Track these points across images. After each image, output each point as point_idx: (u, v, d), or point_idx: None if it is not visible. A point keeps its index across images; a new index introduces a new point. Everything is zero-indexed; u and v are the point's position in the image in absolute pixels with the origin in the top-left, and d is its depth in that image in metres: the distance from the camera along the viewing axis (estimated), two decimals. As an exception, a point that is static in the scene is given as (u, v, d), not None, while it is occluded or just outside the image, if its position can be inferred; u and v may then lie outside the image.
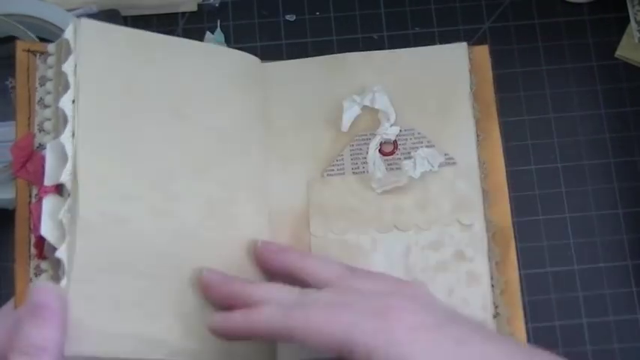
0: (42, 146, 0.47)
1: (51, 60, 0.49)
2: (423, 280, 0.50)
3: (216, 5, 0.67)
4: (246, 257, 0.50)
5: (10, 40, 0.62)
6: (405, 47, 0.55)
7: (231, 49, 0.55)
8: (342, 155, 0.53)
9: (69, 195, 0.45)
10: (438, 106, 0.54)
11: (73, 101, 0.46)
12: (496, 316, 0.50)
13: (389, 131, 0.52)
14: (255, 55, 0.54)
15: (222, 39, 0.66)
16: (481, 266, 0.51)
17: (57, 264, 0.44)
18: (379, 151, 0.53)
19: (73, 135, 0.45)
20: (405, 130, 0.52)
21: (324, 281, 0.45)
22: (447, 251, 0.51)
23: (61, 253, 0.44)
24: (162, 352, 0.45)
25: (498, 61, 0.54)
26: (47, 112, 0.48)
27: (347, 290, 0.44)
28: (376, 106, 0.53)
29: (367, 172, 0.52)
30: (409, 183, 0.52)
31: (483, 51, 0.54)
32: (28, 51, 0.49)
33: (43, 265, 0.46)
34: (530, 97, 0.65)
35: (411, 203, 0.52)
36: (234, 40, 0.67)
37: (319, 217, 0.52)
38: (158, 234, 0.47)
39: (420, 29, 0.68)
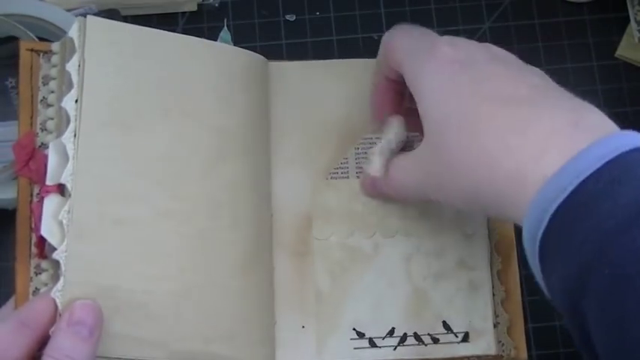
0: (44, 145, 0.47)
1: (55, 59, 0.48)
2: (424, 287, 0.50)
3: (216, 5, 0.67)
4: (250, 259, 0.50)
5: (10, 40, 0.62)
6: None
7: (237, 48, 0.54)
8: (346, 158, 0.53)
9: (70, 195, 0.45)
10: None
11: (76, 100, 0.46)
12: (496, 325, 0.50)
13: (395, 135, 0.52)
14: (255, 55, 0.54)
15: (229, 38, 0.66)
16: (483, 275, 0.51)
17: (57, 264, 0.44)
18: None
19: (75, 135, 0.45)
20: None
21: None
22: (448, 259, 0.51)
23: (58, 255, 0.44)
24: (163, 354, 0.45)
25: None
26: (50, 111, 0.48)
27: None
28: None
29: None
30: None
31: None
32: (32, 50, 0.49)
33: (44, 264, 0.46)
34: (530, 97, 0.65)
35: (414, 210, 0.52)
36: (234, 40, 0.67)
37: (322, 220, 0.52)
38: (160, 235, 0.47)
39: (420, 29, 0.68)
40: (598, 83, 0.66)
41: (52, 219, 0.44)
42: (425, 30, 0.48)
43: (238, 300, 0.49)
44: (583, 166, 0.36)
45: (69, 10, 0.64)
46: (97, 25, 0.48)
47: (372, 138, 0.53)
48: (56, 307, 0.43)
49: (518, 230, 0.53)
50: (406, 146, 0.50)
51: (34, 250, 0.46)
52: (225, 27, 0.66)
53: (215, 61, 0.51)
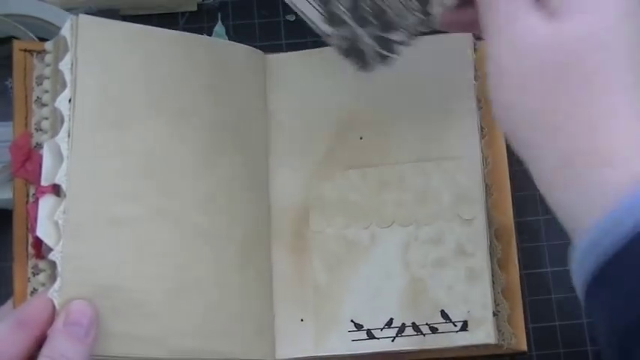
0: (40, 145, 0.47)
1: (48, 58, 0.48)
2: (422, 276, 0.49)
3: (216, 5, 0.67)
4: (247, 254, 0.50)
5: (10, 40, 0.62)
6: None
7: (231, 42, 0.55)
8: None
9: (65, 196, 0.44)
10: (440, 96, 0.53)
11: (70, 100, 0.46)
12: (496, 314, 0.50)
13: None
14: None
15: (224, 32, 0.66)
16: (482, 262, 0.50)
17: (54, 264, 0.44)
18: None
19: (69, 135, 0.45)
20: None
21: None
22: (447, 246, 0.51)
23: (54, 255, 0.44)
24: (162, 351, 0.45)
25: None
26: (45, 111, 0.48)
27: None
28: None
29: None
30: (411, 175, 0.51)
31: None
32: (25, 50, 0.49)
33: (41, 264, 0.46)
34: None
35: (411, 197, 0.52)
36: (234, 40, 0.67)
37: (319, 211, 0.52)
38: (156, 233, 0.47)
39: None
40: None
41: (47, 219, 0.44)
42: None
43: (236, 295, 0.49)
44: None
45: (69, 10, 0.64)
46: (88, 23, 0.48)
47: None
48: (54, 306, 0.43)
49: (516, 221, 0.53)
50: None
51: (31, 250, 0.46)
52: (220, 22, 0.66)
53: (209, 56, 0.51)
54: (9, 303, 0.47)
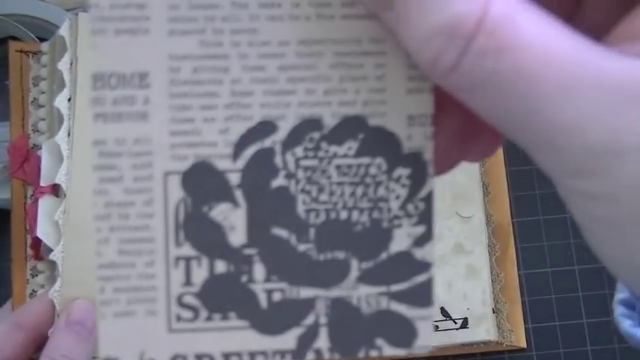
0: (37, 146, 0.47)
1: (45, 59, 0.48)
2: None
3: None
4: None
5: (10, 40, 0.62)
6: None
7: None
8: None
9: (65, 196, 0.44)
10: None
11: (69, 99, 0.46)
12: (496, 311, 0.50)
13: None
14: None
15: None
16: (481, 259, 0.50)
17: (53, 265, 0.44)
18: None
19: (69, 134, 0.45)
20: None
21: None
22: (446, 244, 0.51)
23: (55, 256, 0.43)
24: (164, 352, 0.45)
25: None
26: (41, 112, 0.48)
27: None
28: None
29: None
30: None
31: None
32: (21, 51, 0.49)
33: (40, 266, 0.46)
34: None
35: None
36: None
37: None
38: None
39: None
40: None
41: (47, 220, 0.44)
42: None
43: None
44: None
45: (69, 10, 0.64)
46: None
47: None
48: (53, 308, 0.43)
49: (515, 221, 0.53)
50: None
51: (29, 252, 0.46)
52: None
53: None
54: (7, 305, 0.46)
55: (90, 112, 0.24)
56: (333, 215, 0.26)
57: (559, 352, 0.57)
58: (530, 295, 0.56)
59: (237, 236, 0.26)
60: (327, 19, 0.25)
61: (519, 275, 0.53)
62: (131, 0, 0.23)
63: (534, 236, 0.59)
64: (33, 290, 0.45)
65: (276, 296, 0.26)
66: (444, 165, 0.29)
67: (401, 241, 0.27)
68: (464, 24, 0.21)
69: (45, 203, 0.45)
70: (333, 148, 0.26)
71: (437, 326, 0.50)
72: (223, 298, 0.26)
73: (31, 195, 0.46)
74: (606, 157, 0.22)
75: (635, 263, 0.23)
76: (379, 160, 0.26)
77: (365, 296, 0.26)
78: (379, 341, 0.26)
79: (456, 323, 0.50)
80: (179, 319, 0.26)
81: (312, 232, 0.26)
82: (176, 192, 0.25)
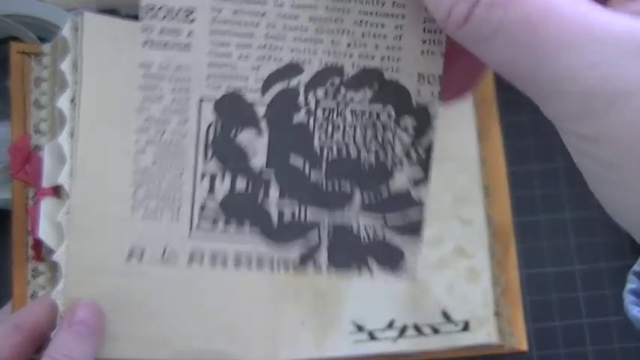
0: (38, 147, 0.47)
1: (46, 60, 0.48)
2: (423, 276, 0.49)
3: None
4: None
5: (11, 40, 0.62)
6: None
7: None
8: None
9: (67, 197, 0.44)
10: None
11: (72, 100, 0.46)
12: (497, 314, 0.50)
13: None
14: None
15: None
16: (482, 262, 0.50)
17: (55, 266, 0.44)
18: None
19: (72, 135, 0.45)
20: None
21: None
22: (446, 247, 0.51)
23: (58, 257, 0.43)
24: (166, 353, 0.45)
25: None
26: (43, 113, 0.48)
27: None
28: None
29: None
30: None
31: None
32: (23, 52, 0.49)
33: (41, 267, 0.46)
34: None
35: None
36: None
37: None
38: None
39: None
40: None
41: (49, 221, 0.44)
42: None
43: (239, 297, 0.49)
44: None
45: (69, 10, 0.64)
46: (93, 21, 0.47)
47: None
48: (53, 309, 0.43)
49: (515, 221, 0.53)
50: None
51: (30, 253, 0.46)
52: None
53: None
54: (8, 306, 0.46)
55: (140, 37, 0.28)
56: (344, 152, 0.30)
57: (559, 352, 0.57)
58: (530, 295, 0.57)
59: (258, 160, 0.30)
60: None
61: (519, 276, 0.53)
62: None
63: (534, 236, 0.59)
64: (34, 291, 0.45)
65: (287, 216, 0.30)
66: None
67: (401, 180, 0.31)
68: None
69: (46, 204, 0.45)
70: (350, 94, 0.30)
71: (438, 329, 0.50)
72: (240, 212, 0.30)
73: (33, 196, 0.46)
74: (605, 101, 0.24)
75: (635, 205, 0.26)
76: (389, 108, 0.30)
77: (364, 224, 0.31)
78: (370, 260, 0.31)
79: (457, 326, 0.50)
80: (199, 227, 0.30)
81: (324, 164, 0.30)
82: (209, 116, 0.29)
